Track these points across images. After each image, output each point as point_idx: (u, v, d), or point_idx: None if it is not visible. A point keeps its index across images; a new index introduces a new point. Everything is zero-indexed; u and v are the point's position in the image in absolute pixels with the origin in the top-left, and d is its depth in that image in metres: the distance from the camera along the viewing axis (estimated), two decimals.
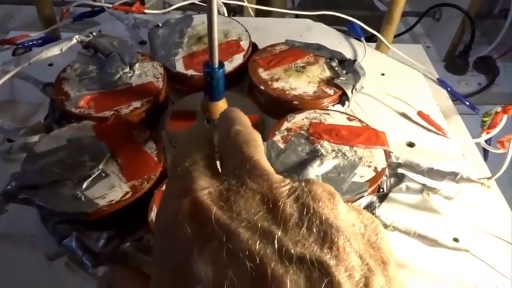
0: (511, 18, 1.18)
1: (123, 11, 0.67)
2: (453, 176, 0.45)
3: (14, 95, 0.58)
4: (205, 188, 0.22)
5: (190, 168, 0.24)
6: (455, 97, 0.73)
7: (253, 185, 0.21)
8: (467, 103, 0.73)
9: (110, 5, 0.66)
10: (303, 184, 0.22)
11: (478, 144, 0.58)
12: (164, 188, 0.40)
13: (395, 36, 1.23)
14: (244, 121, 0.28)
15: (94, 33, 0.54)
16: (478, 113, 0.68)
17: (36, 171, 0.40)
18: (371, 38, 0.78)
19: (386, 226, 0.43)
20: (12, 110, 0.56)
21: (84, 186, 0.39)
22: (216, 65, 0.43)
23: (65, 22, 0.69)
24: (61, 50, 0.53)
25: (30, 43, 0.65)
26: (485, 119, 0.58)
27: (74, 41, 0.53)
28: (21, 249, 0.41)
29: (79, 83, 0.51)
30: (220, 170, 0.25)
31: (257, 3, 1.01)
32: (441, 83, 0.73)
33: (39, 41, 0.65)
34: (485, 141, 0.56)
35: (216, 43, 0.41)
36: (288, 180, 0.22)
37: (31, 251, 0.41)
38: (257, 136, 0.27)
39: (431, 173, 0.47)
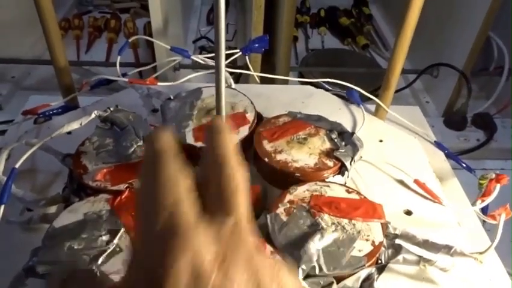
0: (506, 75, 1.23)
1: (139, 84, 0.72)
2: (447, 249, 0.48)
3: (33, 165, 0.62)
4: (204, 247, 0.22)
5: (178, 211, 0.23)
6: (453, 159, 0.76)
7: (247, 256, 0.23)
8: (464, 165, 0.76)
9: (127, 79, 0.71)
10: None
11: None
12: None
13: (396, 92, 1.28)
14: (233, 154, 0.27)
15: (111, 108, 0.59)
16: (475, 175, 0.71)
17: (55, 246, 0.43)
18: (370, 99, 0.82)
19: None
20: (32, 179, 0.60)
21: (100, 261, 0.42)
22: None
23: (84, 91, 0.74)
24: (81, 124, 0.58)
25: (51, 112, 0.69)
26: (481, 181, 0.60)
27: (93, 115, 0.58)
28: None
29: (96, 156, 0.55)
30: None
31: (262, 65, 1.08)
32: (438, 145, 0.77)
33: (59, 110, 0.70)
34: (482, 208, 0.58)
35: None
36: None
37: None
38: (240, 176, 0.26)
39: (427, 244, 0.49)
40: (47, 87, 1.29)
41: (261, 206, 0.52)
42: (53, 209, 0.52)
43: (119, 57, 0.77)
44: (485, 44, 1.24)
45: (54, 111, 0.70)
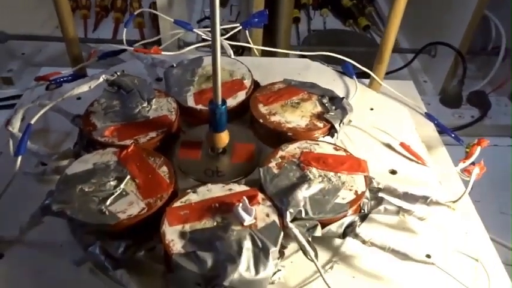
0: (502, 55, 1.26)
1: (143, 53, 0.76)
2: (424, 199, 0.52)
3: (46, 125, 0.67)
4: None
5: None
6: (442, 129, 0.80)
7: None
8: (453, 135, 0.80)
9: (132, 48, 0.75)
10: None
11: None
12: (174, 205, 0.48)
13: (394, 71, 1.32)
14: None
15: (118, 73, 0.63)
16: (462, 144, 0.75)
17: (68, 189, 0.48)
18: (367, 74, 0.86)
19: (364, 242, 0.49)
20: (45, 138, 0.64)
21: (108, 202, 0.47)
22: (219, 102, 0.51)
23: (91, 61, 0.79)
24: (90, 87, 0.62)
25: (62, 79, 0.74)
26: (467, 149, 0.65)
27: (101, 79, 0.62)
28: (51, 256, 0.49)
29: (104, 115, 0.59)
30: None
31: (263, 44, 1.11)
32: (428, 117, 0.80)
33: (69, 78, 0.75)
34: (463, 169, 0.62)
35: (219, 84, 0.50)
36: None
37: (60, 258, 0.49)
38: None
39: (406, 196, 0.53)
40: (57, 64, 1.34)
41: (255, 163, 0.57)
42: (64, 163, 0.57)
43: (125, 30, 0.81)
44: (484, 25, 1.27)
45: (65, 79, 0.74)
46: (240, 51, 1.08)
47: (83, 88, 0.62)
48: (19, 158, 0.54)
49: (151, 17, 1.60)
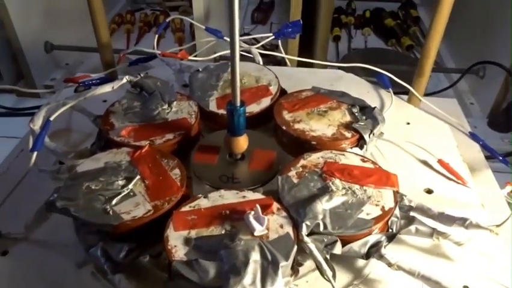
0: None
1: (171, 58, 0.75)
2: (462, 221, 0.46)
3: (70, 125, 0.66)
4: None
5: None
6: (488, 151, 0.72)
7: None
8: (500, 157, 0.72)
9: (159, 52, 0.74)
10: None
11: None
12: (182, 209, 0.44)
13: (439, 92, 1.24)
14: None
15: (141, 75, 0.62)
16: (511, 167, 0.67)
17: (75, 186, 0.46)
18: (406, 93, 0.81)
19: (390, 265, 0.43)
20: (66, 137, 0.64)
21: (113, 202, 0.45)
22: (238, 103, 0.48)
23: (121, 65, 0.79)
24: (113, 87, 0.61)
25: (90, 82, 0.74)
26: None
27: (124, 80, 0.61)
28: (56, 256, 0.47)
29: (123, 116, 0.58)
30: None
31: (300, 55, 1.08)
32: (473, 136, 0.73)
33: (98, 81, 0.75)
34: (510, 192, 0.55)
35: (238, 85, 0.47)
36: None
37: (64, 258, 0.46)
38: None
39: (442, 217, 0.47)
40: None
41: (275, 172, 0.53)
42: (80, 162, 0.56)
43: (156, 36, 0.81)
44: None
45: (94, 82, 0.74)
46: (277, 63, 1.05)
47: (106, 88, 0.61)
48: (34, 154, 0.53)
49: (191, 33, 1.63)
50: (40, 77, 1.32)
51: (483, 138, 0.73)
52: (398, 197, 0.48)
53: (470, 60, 1.25)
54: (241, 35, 1.72)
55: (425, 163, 0.60)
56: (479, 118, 1.20)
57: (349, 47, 1.59)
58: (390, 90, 0.73)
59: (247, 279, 0.37)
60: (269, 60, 0.79)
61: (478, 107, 1.26)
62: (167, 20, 0.86)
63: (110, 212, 0.44)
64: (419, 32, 1.64)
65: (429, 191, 0.56)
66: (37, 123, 0.60)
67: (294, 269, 0.43)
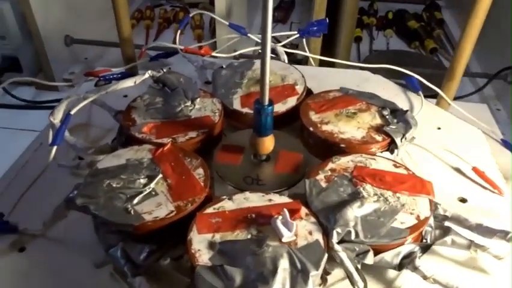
0: None
1: (193, 54, 0.73)
2: (504, 234, 0.43)
3: (90, 120, 0.65)
4: None
5: None
6: None
7: None
8: None
9: (182, 47, 0.72)
10: None
11: None
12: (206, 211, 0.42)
13: (463, 97, 1.21)
14: None
15: (164, 70, 0.60)
16: None
17: (95, 183, 0.44)
18: (433, 96, 0.78)
19: (425, 278, 0.41)
20: (86, 132, 0.63)
21: (135, 201, 0.43)
22: (266, 102, 0.46)
23: (142, 60, 0.77)
24: (135, 82, 0.60)
25: (111, 76, 0.73)
26: None
27: (147, 75, 0.60)
28: (74, 255, 0.45)
29: (145, 112, 0.56)
30: None
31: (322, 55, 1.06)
32: (505, 143, 0.70)
33: (119, 75, 0.73)
34: None
35: (267, 83, 0.45)
36: None
37: (82, 257, 0.45)
38: None
39: (480, 229, 0.45)
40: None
41: (301, 175, 0.51)
42: (100, 158, 0.54)
43: (179, 31, 0.79)
44: None
45: (114, 76, 0.73)
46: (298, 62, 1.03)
47: (127, 83, 0.59)
48: (54, 148, 0.52)
49: (210, 31, 1.61)
50: (59, 70, 1.32)
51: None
52: (433, 205, 0.45)
53: (497, 65, 1.20)
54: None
55: (458, 170, 0.57)
56: (506, 125, 1.16)
57: (370, 49, 1.55)
58: (420, 93, 0.70)
59: None
60: (289, 60, 0.76)
61: (505, 113, 1.21)
62: (190, 15, 0.84)
63: (132, 212, 0.42)
64: (443, 34, 1.59)
65: (463, 200, 0.53)
66: (57, 117, 0.58)
67: (323, 278, 0.40)
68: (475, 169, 0.56)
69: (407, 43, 1.58)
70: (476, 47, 0.71)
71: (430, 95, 0.75)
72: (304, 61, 1.17)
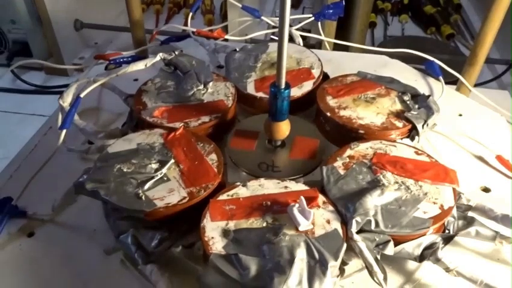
0: None
1: (205, 37, 0.71)
2: None
3: (100, 104, 0.64)
4: None
5: None
6: None
7: None
8: None
9: (194, 29, 0.70)
10: None
11: None
12: (219, 198, 0.41)
13: (481, 84, 1.17)
14: None
15: (176, 52, 0.58)
16: None
17: (106, 168, 0.43)
18: (452, 83, 0.75)
19: (448, 270, 0.39)
20: (96, 116, 0.61)
21: (146, 186, 0.41)
22: (282, 85, 0.44)
23: (153, 44, 0.75)
24: (146, 65, 0.58)
25: (121, 60, 0.71)
26: None
27: (158, 58, 0.58)
28: (84, 241, 0.44)
29: (156, 95, 0.55)
30: None
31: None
32: None
33: (129, 59, 0.71)
34: None
35: (284, 65, 0.43)
36: None
37: (92, 243, 0.44)
38: None
39: (506, 220, 0.43)
40: None
41: (318, 162, 0.49)
42: (111, 142, 0.52)
43: (191, 14, 0.77)
44: None
45: (124, 59, 0.71)
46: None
47: (138, 66, 0.58)
48: (63, 132, 0.51)
49: (221, 16, 1.59)
50: (69, 55, 1.31)
51: None
52: (456, 194, 0.43)
53: None
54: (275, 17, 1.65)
55: (480, 159, 0.55)
56: None
57: (385, 35, 1.52)
58: (441, 78, 0.67)
59: (292, 280, 0.33)
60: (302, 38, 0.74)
61: None
62: None
63: (143, 197, 0.40)
64: (461, 20, 1.55)
65: (486, 189, 0.51)
66: (67, 100, 0.57)
67: (340, 269, 0.39)
68: (498, 157, 0.53)
69: (423, 29, 1.54)
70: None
71: (449, 81, 0.72)
72: (317, 46, 1.14)
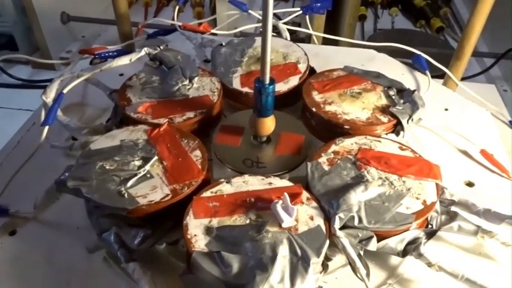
0: None
1: (192, 31, 0.70)
2: None
3: (85, 99, 0.63)
4: None
5: None
6: None
7: None
8: None
9: (181, 24, 0.70)
10: None
11: None
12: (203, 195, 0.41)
13: (469, 77, 1.18)
14: None
15: (161, 47, 0.58)
16: None
17: (88, 165, 0.42)
18: (440, 77, 0.75)
19: (430, 265, 0.39)
20: (81, 112, 0.60)
21: (129, 184, 0.41)
22: (267, 81, 0.44)
23: (139, 38, 0.75)
24: (130, 60, 0.57)
25: (107, 54, 0.70)
26: None
27: (143, 52, 0.57)
28: (66, 239, 0.44)
29: (141, 91, 0.54)
30: None
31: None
32: None
33: (115, 53, 0.71)
34: None
35: (269, 60, 0.42)
36: None
37: (75, 241, 0.43)
38: None
39: (488, 214, 0.43)
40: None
41: (303, 157, 0.49)
42: (95, 139, 0.52)
43: (177, 7, 0.76)
44: None
45: (110, 54, 0.70)
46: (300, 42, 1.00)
47: (123, 60, 0.57)
48: (46, 128, 0.50)
49: (211, 9, 1.57)
50: (56, 49, 1.29)
51: None
52: (440, 189, 0.44)
53: (506, 44, 1.17)
54: None
55: (465, 153, 0.55)
56: None
57: (375, 28, 1.51)
58: (428, 72, 0.67)
59: (274, 277, 0.33)
60: (291, 39, 0.74)
61: None
62: None
63: (125, 195, 0.40)
64: (451, 13, 1.55)
65: (470, 184, 0.51)
66: (50, 96, 0.56)
67: (324, 265, 0.39)
68: (483, 152, 0.54)
69: (413, 22, 1.54)
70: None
71: (436, 75, 0.72)
72: (307, 40, 1.14)
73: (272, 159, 0.49)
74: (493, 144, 0.56)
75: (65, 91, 0.52)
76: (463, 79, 1.07)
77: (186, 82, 0.55)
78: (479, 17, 0.65)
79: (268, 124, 0.48)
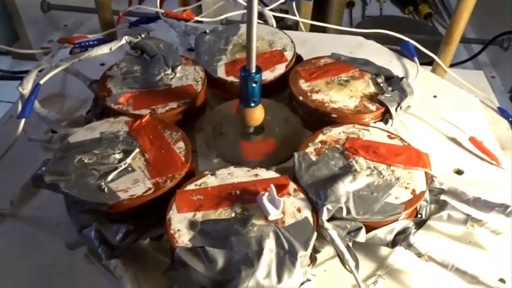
0: None
1: (175, 19, 0.68)
2: (503, 208, 0.41)
3: (64, 90, 0.61)
4: None
5: None
6: None
7: None
8: None
9: (163, 11, 0.67)
10: None
11: None
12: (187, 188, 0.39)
13: (457, 64, 1.17)
14: None
15: (143, 35, 0.56)
16: None
17: (66, 159, 0.41)
18: (428, 63, 0.75)
19: (420, 255, 0.39)
20: (60, 104, 0.58)
21: (109, 178, 0.40)
22: (253, 69, 0.42)
23: (121, 26, 0.72)
24: (110, 49, 0.55)
25: (87, 43, 0.68)
26: None
27: (123, 41, 0.55)
28: (46, 235, 0.42)
29: (122, 81, 0.52)
30: None
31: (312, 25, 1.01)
32: (502, 112, 0.68)
33: (95, 42, 0.68)
34: None
35: (254, 48, 0.41)
36: None
37: (55, 238, 0.42)
38: None
39: (478, 203, 0.42)
40: None
41: (291, 148, 0.47)
42: (74, 131, 0.50)
43: None
44: None
45: (90, 43, 0.68)
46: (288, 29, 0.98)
47: (103, 50, 0.55)
48: (23, 121, 0.48)
49: None
50: (37, 38, 1.26)
51: None
52: (429, 178, 0.43)
53: (493, 30, 1.17)
54: None
55: (454, 141, 0.54)
56: (500, 93, 1.13)
57: (363, 14, 1.50)
58: (416, 59, 0.66)
59: (261, 272, 0.32)
60: (278, 27, 0.72)
61: (500, 81, 1.19)
62: None
63: (105, 190, 0.39)
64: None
65: (459, 172, 0.50)
66: (27, 87, 0.54)
67: (312, 257, 0.38)
68: (472, 139, 0.53)
69: (401, 8, 1.53)
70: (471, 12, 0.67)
71: (425, 62, 0.71)
72: (294, 27, 1.12)
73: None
74: (482, 130, 0.56)
75: (42, 82, 0.50)
76: (451, 66, 1.06)
77: (169, 71, 0.53)
78: (467, 3, 0.64)
79: (256, 114, 0.46)
